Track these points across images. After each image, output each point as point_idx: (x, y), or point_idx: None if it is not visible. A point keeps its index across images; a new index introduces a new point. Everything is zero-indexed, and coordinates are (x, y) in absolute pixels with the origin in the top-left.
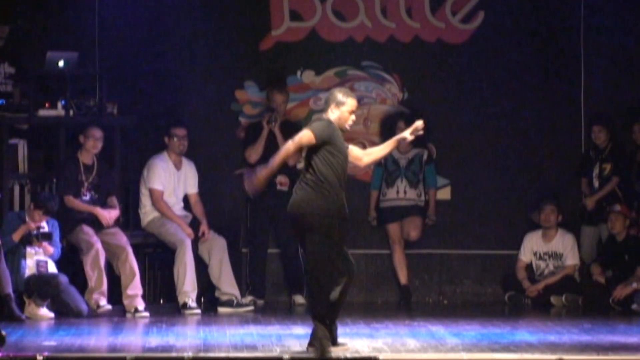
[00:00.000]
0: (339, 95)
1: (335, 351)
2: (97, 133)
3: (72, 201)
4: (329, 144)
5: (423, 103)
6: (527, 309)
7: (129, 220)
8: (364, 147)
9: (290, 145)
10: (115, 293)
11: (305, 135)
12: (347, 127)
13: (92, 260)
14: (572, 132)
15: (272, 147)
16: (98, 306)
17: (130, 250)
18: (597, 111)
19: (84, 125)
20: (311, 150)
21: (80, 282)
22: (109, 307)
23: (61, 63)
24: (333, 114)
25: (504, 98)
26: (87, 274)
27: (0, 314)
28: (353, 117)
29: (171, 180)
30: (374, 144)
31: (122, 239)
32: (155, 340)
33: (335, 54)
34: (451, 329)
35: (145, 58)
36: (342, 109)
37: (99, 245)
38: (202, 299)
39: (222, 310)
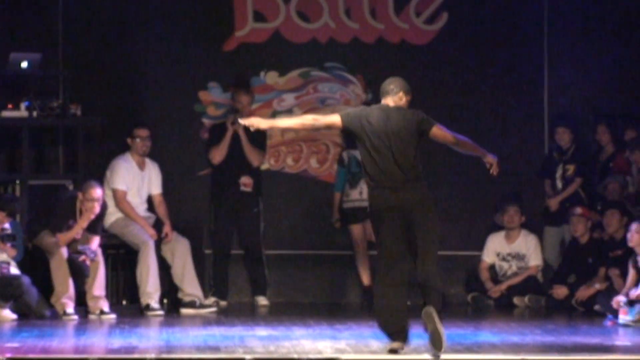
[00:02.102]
0: (407, 85)
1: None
2: (96, 194)
3: (62, 238)
4: (356, 135)
5: None
6: (490, 309)
7: None
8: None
9: (319, 118)
10: (76, 293)
11: (332, 116)
12: None
13: (57, 265)
14: (536, 133)
15: (236, 148)
16: (64, 312)
17: (99, 251)
18: (560, 112)
19: (84, 184)
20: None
21: (43, 284)
22: (76, 317)
23: (24, 64)
24: (401, 100)
25: (468, 99)
26: (53, 279)
27: None
28: None
29: (135, 181)
30: (337, 145)
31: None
32: (118, 341)
33: (299, 55)
34: (414, 329)
35: (109, 59)
36: (409, 98)
37: (64, 250)
38: (165, 300)
39: (184, 311)
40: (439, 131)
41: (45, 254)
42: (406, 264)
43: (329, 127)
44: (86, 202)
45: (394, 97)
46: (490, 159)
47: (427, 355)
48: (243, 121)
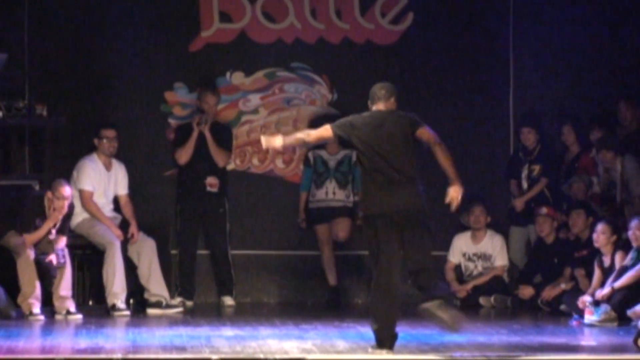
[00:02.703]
0: (395, 89)
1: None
2: (66, 192)
3: (29, 239)
4: (351, 142)
5: (352, 104)
6: (456, 309)
7: None
8: None
9: (310, 132)
10: (43, 293)
11: (323, 128)
12: None
13: (24, 265)
14: (501, 133)
15: (202, 149)
16: (31, 312)
17: (66, 252)
18: (526, 112)
19: (53, 183)
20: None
21: (10, 285)
22: (42, 317)
23: None
24: (393, 105)
25: (433, 99)
26: (20, 279)
27: None
28: None
29: (101, 182)
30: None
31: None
32: (84, 341)
33: (264, 56)
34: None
35: (75, 59)
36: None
37: (30, 250)
38: (131, 301)
39: (151, 311)
40: (424, 131)
41: (12, 254)
42: (399, 269)
43: (321, 139)
44: (56, 200)
45: (386, 103)
46: (453, 193)
47: (387, 356)
48: (265, 142)
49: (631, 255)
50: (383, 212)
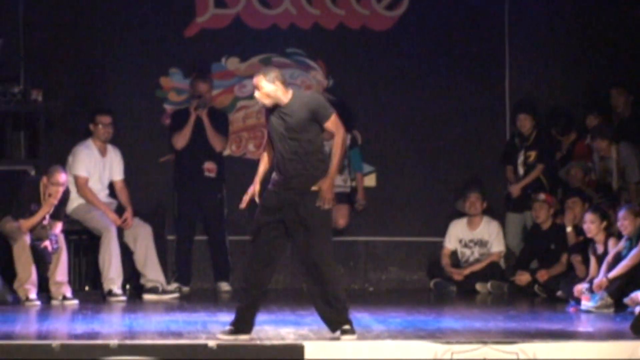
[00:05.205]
0: None
1: None
2: (61, 178)
3: (24, 224)
4: None
5: (348, 90)
6: (453, 296)
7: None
8: None
9: (341, 142)
10: (39, 279)
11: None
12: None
13: (20, 250)
14: (497, 119)
15: (199, 134)
16: (27, 298)
17: (62, 237)
18: (522, 98)
19: (49, 168)
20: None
21: (6, 270)
22: (39, 302)
23: None
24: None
25: (429, 85)
26: (16, 264)
27: None
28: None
29: (96, 167)
30: None
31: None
32: (81, 327)
33: (259, 41)
34: (377, 315)
35: (70, 45)
36: None
37: (26, 236)
38: (128, 286)
39: (147, 297)
40: None
41: (8, 240)
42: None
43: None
44: (51, 186)
45: None
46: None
47: (388, 341)
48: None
49: (623, 244)
50: None
